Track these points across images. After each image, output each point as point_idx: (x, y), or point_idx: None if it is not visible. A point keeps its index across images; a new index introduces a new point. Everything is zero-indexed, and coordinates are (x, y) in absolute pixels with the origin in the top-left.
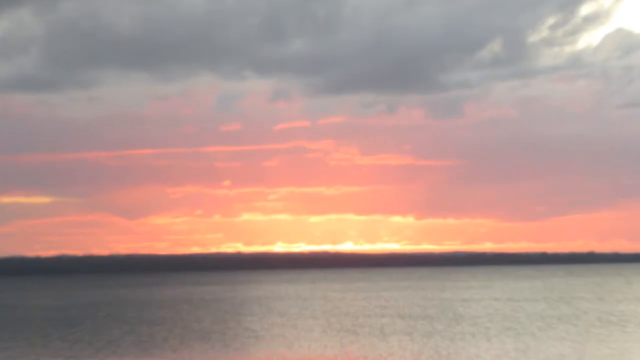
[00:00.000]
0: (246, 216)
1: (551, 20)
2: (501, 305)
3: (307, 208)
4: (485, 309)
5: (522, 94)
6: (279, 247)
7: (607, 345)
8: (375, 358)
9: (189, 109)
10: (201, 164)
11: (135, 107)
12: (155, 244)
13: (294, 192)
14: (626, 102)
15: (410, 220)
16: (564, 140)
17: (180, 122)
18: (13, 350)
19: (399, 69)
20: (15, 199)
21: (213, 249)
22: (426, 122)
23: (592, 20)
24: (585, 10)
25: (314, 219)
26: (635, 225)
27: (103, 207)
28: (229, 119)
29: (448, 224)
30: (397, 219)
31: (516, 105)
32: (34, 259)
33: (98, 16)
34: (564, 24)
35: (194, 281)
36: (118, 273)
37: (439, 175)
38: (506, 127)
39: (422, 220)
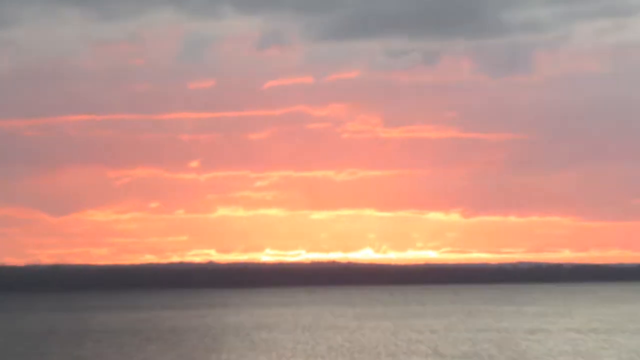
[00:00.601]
0: (222, 211)
1: None
2: (583, 339)
3: (308, 200)
4: (560, 344)
5: (615, 40)
6: (269, 256)
7: None
8: None
9: (141, 59)
10: (159, 137)
11: (65, 56)
12: (92, 249)
13: (291, 177)
14: None
15: (454, 218)
16: None
17: (130, 78)
18: None
19: (441, 2)
20: None
21: (175, 258)
22: (478, 79)
23: None
24: None
25: (318, 215)
26: None
27: (17, 197)
28: (199, 73)
29: (508, 223)
30: (436, 216)
31: (606, 56)
32: None
33: None
34: None
35: (147, 303)
36: (39, 291)
37: (495, 154)
38: (591, 86)
39: (471, 218)
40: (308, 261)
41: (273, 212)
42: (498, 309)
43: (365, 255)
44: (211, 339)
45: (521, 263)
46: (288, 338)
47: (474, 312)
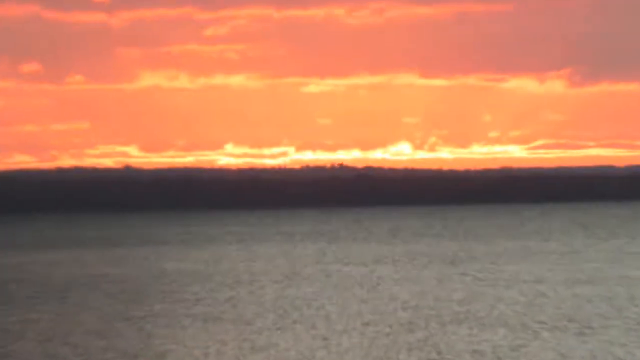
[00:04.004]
0: (149, 79)
1: None
2: None
3: (299, 61)
4: None
5: None
6: (231, 157)
7: None
8: None
9: None
10: None
11: None
12: None
13: (270, 20)
14: None
15: (555, 87)
16: None
17: None
18: None
19: None
20: None
21: (66, 161)
22: None
23: None
24: None
25: (317, 86)
26: None
27: None
28: None
29: None
30: (523, 84)
31: None
32: None
33: None
34: None
35: (18, 235)
36: None
37: None
38: None
39: (584, 87)
40: (298, 165)
41: (237, 81)
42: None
43: (399, 154)
44: (127, 296)
45: None
46: (261, 299)
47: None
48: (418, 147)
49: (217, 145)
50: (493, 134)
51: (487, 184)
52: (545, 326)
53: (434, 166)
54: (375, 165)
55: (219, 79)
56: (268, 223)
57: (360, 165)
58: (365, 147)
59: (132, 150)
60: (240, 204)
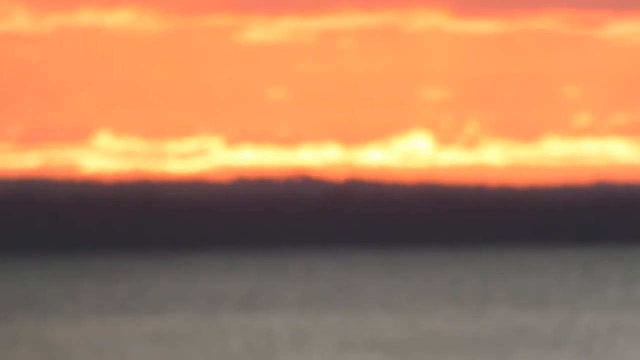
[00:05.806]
0: None
1: None
2: None
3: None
4: None
5: None
6: (106, 156)
7: None
8: None
9: None
10: None
11: None
12: None
13: None
14: None
15: None
16: None
17: None
18: None
19: None
20: None
21: None
22: None
23: None
24: None
25: (263, 31)
26: None
27: None
28: None
29: None
30: (638, 30)
31: None
32: None
33: None
34: None
35: None
36: None
37: None
38: None
39: None
40: (228, 174)
41: (119, 20)
42: None
43: (412, 154)
44: None
45: None
46: None
47: None
48: (445, 141)
49: (82, 135)
50: (583, 120)
51: (572, 211)
52: None
53: (475, 176)
54: (367, 174)
55: (85, 18)
56: (168, 279)
57: (340, 174)
58: (350, 141)
59: None
60: (124, 243)
